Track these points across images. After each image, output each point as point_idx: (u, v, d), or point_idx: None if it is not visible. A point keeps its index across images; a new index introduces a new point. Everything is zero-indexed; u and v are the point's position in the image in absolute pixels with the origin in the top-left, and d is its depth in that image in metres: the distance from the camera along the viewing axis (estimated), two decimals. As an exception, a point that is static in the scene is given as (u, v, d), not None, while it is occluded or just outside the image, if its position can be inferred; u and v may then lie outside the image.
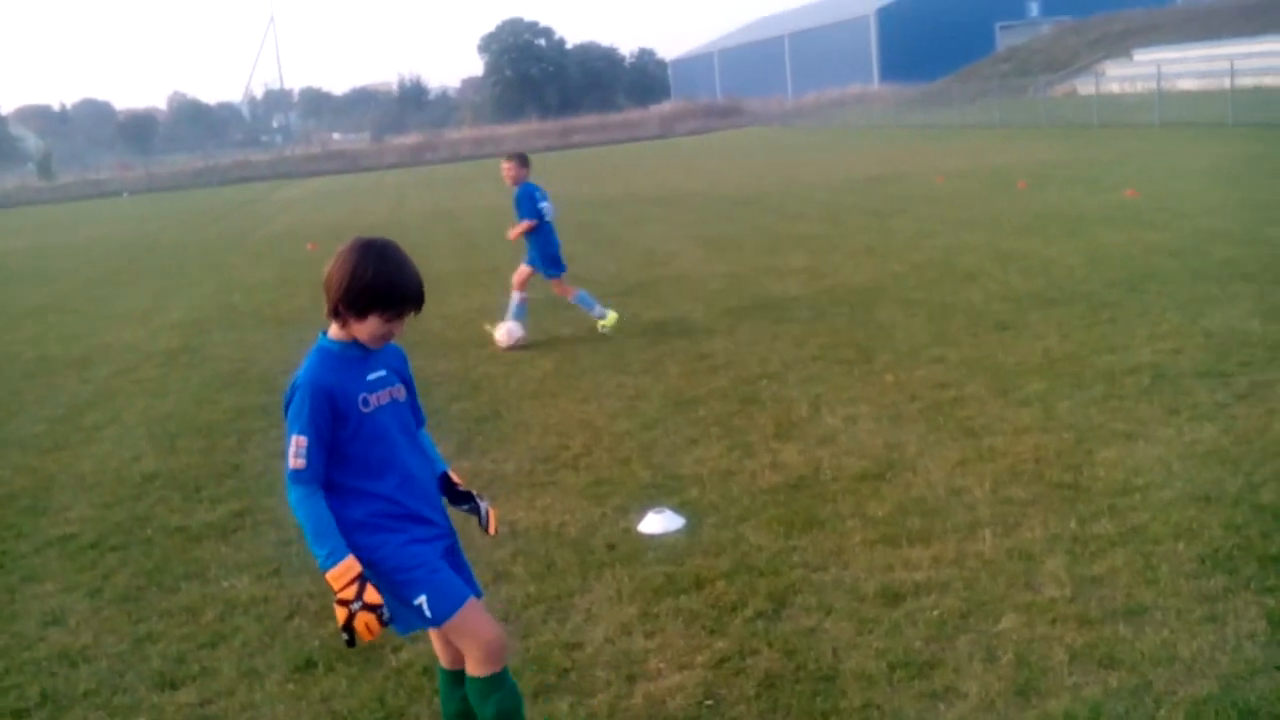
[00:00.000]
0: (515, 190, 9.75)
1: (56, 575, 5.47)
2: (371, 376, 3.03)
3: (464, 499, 3.35)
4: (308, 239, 22.02)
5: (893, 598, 4.32)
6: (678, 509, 5.43)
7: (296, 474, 2.90)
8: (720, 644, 4.12)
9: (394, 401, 3.07)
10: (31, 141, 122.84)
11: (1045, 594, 4.21)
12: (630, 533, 5.28)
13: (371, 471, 2.99)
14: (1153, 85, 34.48)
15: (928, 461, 5.79)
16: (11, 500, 6.77)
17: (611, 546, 5.14)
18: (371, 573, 2.95)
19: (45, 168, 74.69)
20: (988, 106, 45.29)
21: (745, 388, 7.63)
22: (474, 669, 3.10)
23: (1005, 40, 71.78)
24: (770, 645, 4.07)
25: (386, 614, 2.90)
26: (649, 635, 4.26)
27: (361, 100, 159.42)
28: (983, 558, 4.58)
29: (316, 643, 4.43)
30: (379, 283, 2.93)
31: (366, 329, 2.98)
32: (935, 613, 4.16)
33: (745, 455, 6.23)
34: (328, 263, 2.98)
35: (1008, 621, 4.04)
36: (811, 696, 3.71)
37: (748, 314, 10.18)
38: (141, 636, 4.69)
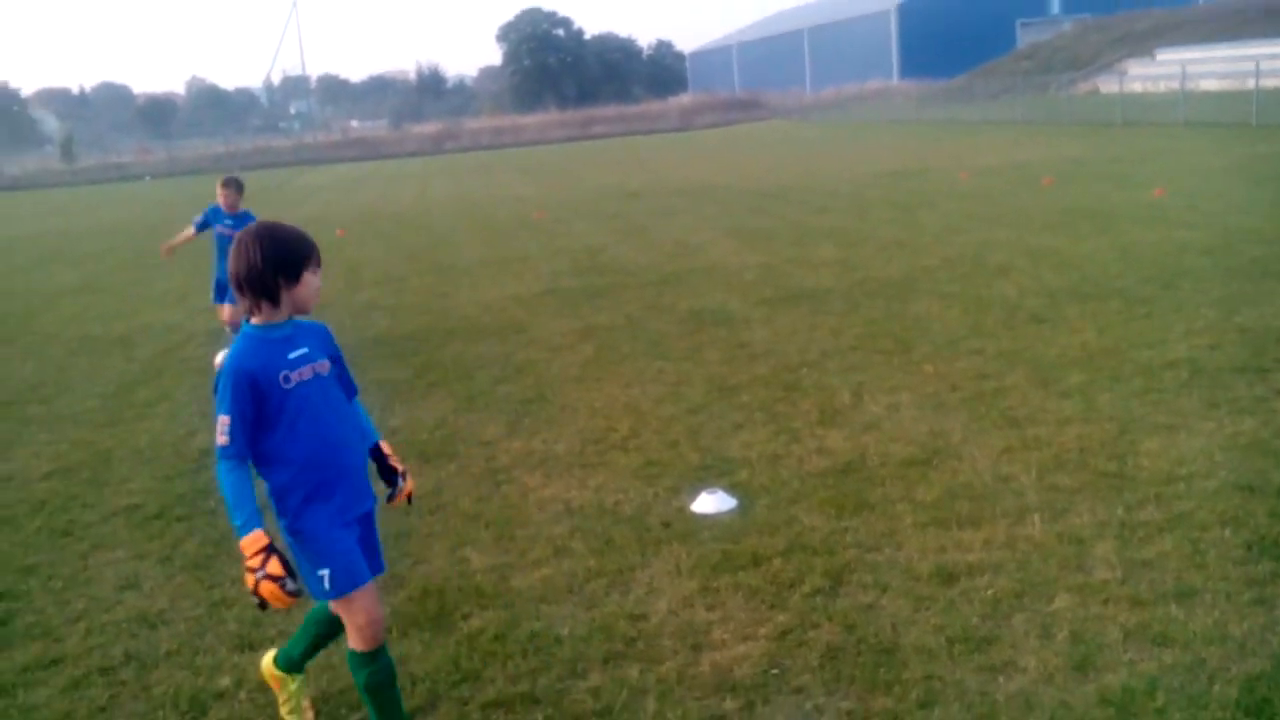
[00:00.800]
0: (232, 218, 9.33)
1: (126, 543, 5.65)
2: (293, 355, 3.28)
3: (390, 473, 3.68)
4: (336, 225, 22.22)
5: (947, 577, 4.46)
6: (729, 490, 5.58)
7: (223, 449, 3.17)
8: (781, 617, 4.26)
9: (317, 376, 3.33)
10: (51, 123, 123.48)
11: (1097, 576, 4.34)
12: (684, 512, 5.42)
13: (294, 441, 3.25)
14: (1176, 85, 34.41)
15: (973, 449, 5.92)
16: (73, 472, 6.96)
17: (667, 524, 5.28)
18: (293, 538, 3.28)
19: (67, 150, 75.03)
20: (1010, 103, 45.20)
21: (786, 375, 7.75)
22: (354, 643, 3.39)
23: (1026, 37, 71.73)
24: (830, 619, 4.21)
25: (291, 585, 3.12)
26: (710, 608, 4.41)
27: (378, 88, 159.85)
28: (1033, 541, 4.71)
29: (389, 610, 4.58)
30: (292, 245, 3.26)
31: (306, 289, 3.28)
32: (990, 592, 4.30)
33: (791, 440, 6.36)
34: (234, 262, 3.21)
35: (1061, 601, 4.17)
36: (874, 668, 3.85)
37: (783, 304, 10.30)
38: (216, 601, 4.86)
